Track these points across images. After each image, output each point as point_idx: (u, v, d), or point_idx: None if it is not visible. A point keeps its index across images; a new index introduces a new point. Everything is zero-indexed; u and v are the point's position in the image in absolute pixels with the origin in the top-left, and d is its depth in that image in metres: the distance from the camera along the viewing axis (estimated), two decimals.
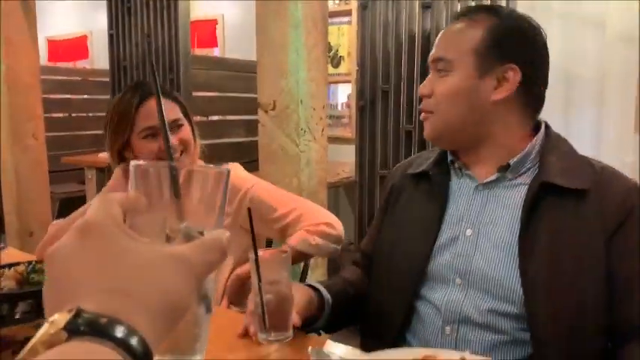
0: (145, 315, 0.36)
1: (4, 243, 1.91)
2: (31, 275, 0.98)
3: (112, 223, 0.39)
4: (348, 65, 4.52)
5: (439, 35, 1.15)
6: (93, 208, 0.40)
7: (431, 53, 1.15)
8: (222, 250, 0.42)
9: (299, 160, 1.98)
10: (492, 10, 1.14)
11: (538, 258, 1.01)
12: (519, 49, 1.09)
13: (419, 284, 1.14)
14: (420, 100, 1.18)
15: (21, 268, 1.00)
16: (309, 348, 0.93)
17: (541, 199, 1.04)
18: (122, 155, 1.53)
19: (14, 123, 2.76)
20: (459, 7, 2.61)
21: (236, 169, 1.56)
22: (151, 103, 1.46)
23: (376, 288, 1.24)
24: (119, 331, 0.34)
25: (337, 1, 4.53)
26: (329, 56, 4.56)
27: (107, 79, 4.18)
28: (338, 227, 1.47)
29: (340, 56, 4.56)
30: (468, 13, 1.13)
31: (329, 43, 4.53)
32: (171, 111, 1.48)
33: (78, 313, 0.33)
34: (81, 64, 6.51)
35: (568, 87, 3.40)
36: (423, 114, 1.15)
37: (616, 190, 1.03)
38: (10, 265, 1.02)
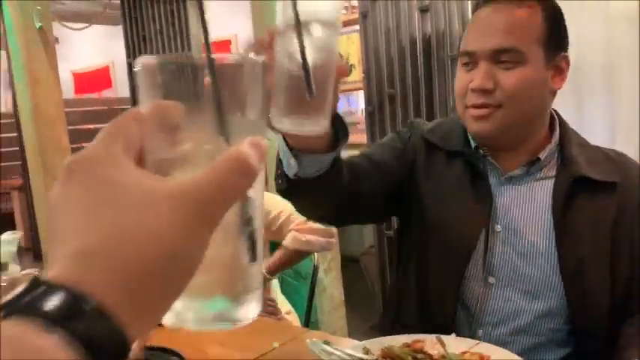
0: (114, 277, 0.26)
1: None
2: None
3: (100, 156, 0.29)
4: (360, 73, 4.60)
5: (485, 23, 1.04)
6: (94, 141, 0.30)
7: (481, 44, 1.02)
8: (245, 171, 0.29)
9: None
10: None
11: (576, 249, 1.02)
12: (566, 36, 1.08)
13: (460, 285, 1.08)
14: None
15: None
16: (307, 340, 1.01)
17: (573, 193, 1.04)
18: None
19: (43, 156, 2.94)
20: (455, 10, 2.65)
21: None
22: None
23: (416, 285, 1.15)
24: (52, 302, 0.24)
25: (344, 11, 4.62)
26: None
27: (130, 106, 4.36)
28: None
29: (351, 64, 4.64)
30: None
31: (339, 52, 4.62)
32: None
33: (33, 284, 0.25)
34: (106, 93, 6.76)
35: (577, 74, 3.40)
36: (483, 109, 1.03)
37: (638, 179, 1.06)
38: None
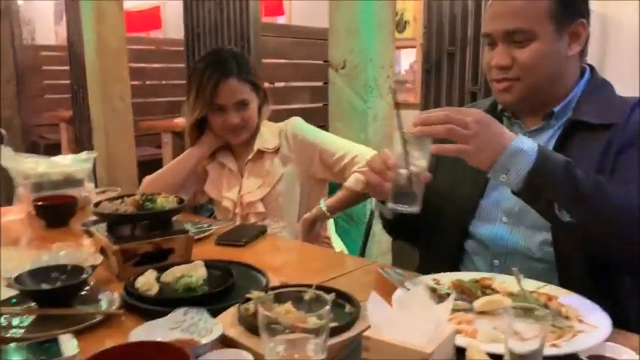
0: None
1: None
2: (146, 203, 1.17)
3: None
4: (413, 30, 4.53)
5: (497, 7, 1.17)
6: None
7: (495, 26, 1.16)
8: None
9: (366, 115, 2.09)
10: None
11: None
12: (583, 4, 1.18)
13: (468, 223, 1.24)
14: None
15: (137, 197, 1.19)
16: (378, 268, 1.07)
17: (571, 136, 1.15)
18: (201, 123, 1.74)
19: (103, 85, 3.02)
20: None
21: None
22: (228, 83, 1.64)
23: (431, 228, 1.32)
24: None
25: None
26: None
27: (179, 48, 4.37)
28: None
29: (405, 21, 4.57)
30: None
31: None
32: (238, 91, 1.66)
33: None
34: (154, 34, 6.82)
35: None
36: (504, 83, 1.18)
37: (637, 118, 1.13)
38: (128, 196, 1.22)
